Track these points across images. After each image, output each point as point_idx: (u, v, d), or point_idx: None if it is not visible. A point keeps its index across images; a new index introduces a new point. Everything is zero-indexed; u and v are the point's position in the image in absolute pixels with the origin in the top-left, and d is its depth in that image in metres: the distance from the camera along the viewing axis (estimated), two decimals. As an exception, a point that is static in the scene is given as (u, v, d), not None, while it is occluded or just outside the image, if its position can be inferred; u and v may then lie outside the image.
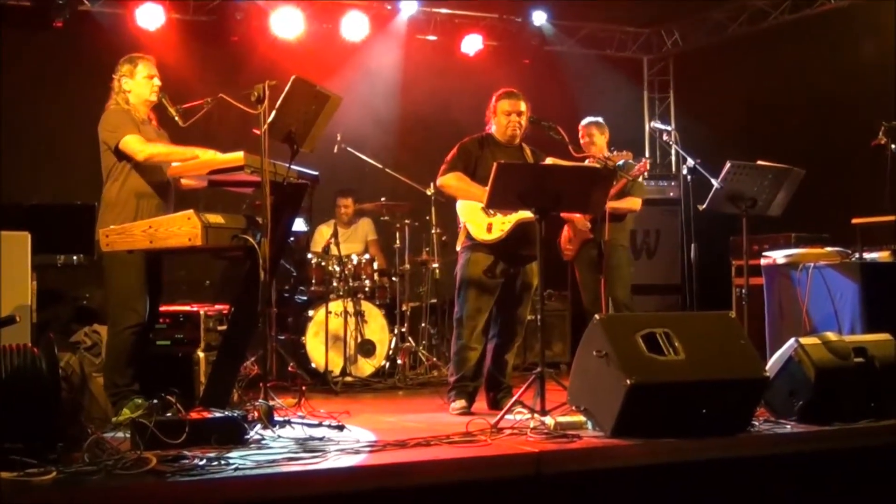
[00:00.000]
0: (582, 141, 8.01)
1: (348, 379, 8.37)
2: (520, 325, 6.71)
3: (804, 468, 5.11)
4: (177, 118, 5.88)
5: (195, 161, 5.71)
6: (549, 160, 6.61)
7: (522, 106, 6.70)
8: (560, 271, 8.76)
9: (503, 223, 6.43)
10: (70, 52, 9.43)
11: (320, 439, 5.00)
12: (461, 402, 6.44)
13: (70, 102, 9.19)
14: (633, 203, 8.04)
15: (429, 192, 8.84)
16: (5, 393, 4.24)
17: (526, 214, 6.30)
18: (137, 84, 6.02)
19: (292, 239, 8.78)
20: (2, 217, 6.93)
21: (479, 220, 6.48)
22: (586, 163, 7.07)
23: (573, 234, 8.14)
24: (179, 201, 6.13)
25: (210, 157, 5.62)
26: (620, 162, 7.27)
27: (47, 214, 7.71)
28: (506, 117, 6.69)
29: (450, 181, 6.58)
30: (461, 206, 6.59)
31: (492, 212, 6.42)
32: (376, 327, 8.75)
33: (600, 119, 8.22)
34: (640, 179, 8.19)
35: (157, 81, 6.04)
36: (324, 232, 9.37)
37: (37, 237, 6.12)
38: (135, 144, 5.84)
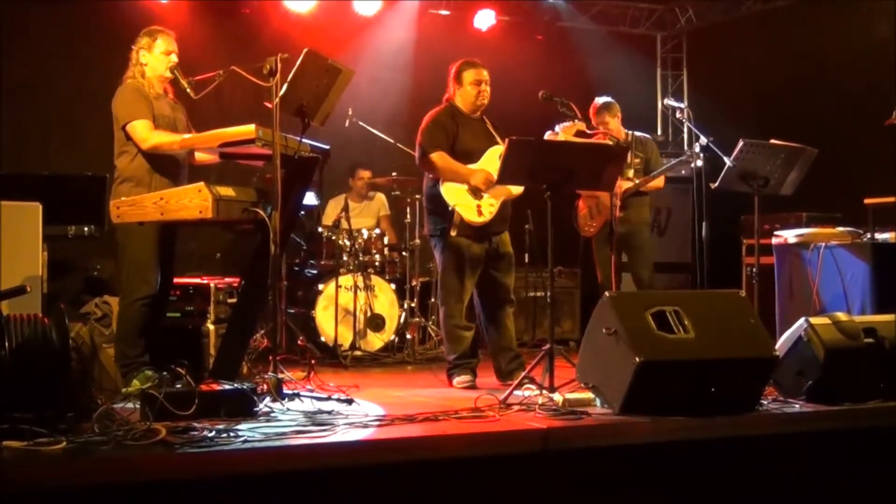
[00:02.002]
0: (595, 124, 7.96)
1: (357, 353, 8.38)
2: (508, 291, 6.71)
3: (812, 448, 5.11)
4: (189, 90, 5.85)
5: (207, 134, 5.71)
6: (561, 136, 6.57)
7: (486, 74, 6.66)
8: (569, 248, 8.74)
9: (491, 205, 6.42)
10: (82, 22, 9.40)
11: (329, 413, 5.01)
12: (466, 376, 6.46)
13: (82, 73, 9.19)
14: (658, 181, 8.02)
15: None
16: (16, 363, 4.25)
17: (511, 192, 6.37)
18: (154, 58, 5.99)
19: (303, 213, 8.78)
20: (13, 187, 6.94)
21: (469, 202, 6.41)
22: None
23: (597, 212, 8.10)
24: (190, 174, 6.12)
25: (219, 132, 5.61)
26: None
27: (58, 185, 7.71)
28: (475, 87, 6.62)
29: (437, 161, 6.47)
30: (448, 190, 6.45)
31: (480, 194, 6.39)
32: (386, 302, 8.76)
33: (610, 99, 8.15)
34: (658, 154, 8.18)
35: (174, 58, 6.00)
36: (335, 206, 9.37)
37: (48, 208, 6.13)
38: (141, 132, 5.80)
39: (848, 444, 5.16)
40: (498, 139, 6.55)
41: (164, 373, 4.98)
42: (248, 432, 4.35)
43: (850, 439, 5.17)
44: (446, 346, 6.69)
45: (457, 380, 6.48)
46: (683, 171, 9.40)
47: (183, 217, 5.36)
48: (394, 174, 9.28)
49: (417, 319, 8.96)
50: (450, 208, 6.43)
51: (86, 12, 9.35)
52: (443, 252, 6.59)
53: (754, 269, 6.99)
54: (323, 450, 4.29)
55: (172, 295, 6.56)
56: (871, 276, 6.78)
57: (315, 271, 9.04)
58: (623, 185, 7.81)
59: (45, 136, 9.33)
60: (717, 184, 6.88)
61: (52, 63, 9.38)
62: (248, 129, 5.40)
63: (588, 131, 6.88)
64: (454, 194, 6.45)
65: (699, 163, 6.83)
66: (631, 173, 7.94)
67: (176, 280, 6.56)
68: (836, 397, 5.35)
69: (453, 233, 6.46)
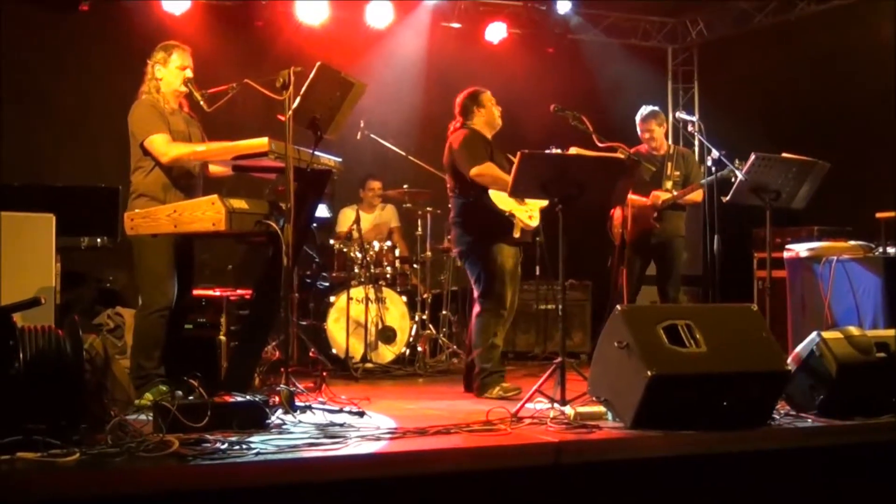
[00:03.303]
0: (641, 136, 7.96)
1: (368, 365, 8.39)
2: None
3: (825, 462, 5.09)
4: (202, 103, 5.89)
5: (220, 146, 5.73)
6: (573, 150, 6.60)
7: None
8: (581, 260, 8.73)
9: (535, 211, 6.60)
10: (96, 34, 9.46)
11: (341, 425, 5.01)
12: (505, 385, 6.57)
13: (96, 85, 9.25)
14: (697, 195, 7.96)
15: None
16: (30, 374, 4.26)
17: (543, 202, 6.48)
18: (170, 73, 6.03)
19: (315, 225, 8.80)
20: (27, 199, 7.00)
21: (520, 209, 6.58)
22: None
23: (635, 221, 8.06)
24: (205, 187, 6.14)
25: (232, 145, 5.64)
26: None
27: (72, 196, 7.75)
28: (496, 108, 6.88)
29: (488, 170, 6.61)
30: (498, 198, 6.60)
31: (524, 200, 6.53)
32: (397, 314, 8.77)
33: (656, 108, 8.13)
34: (699, 168, 8.17)
35: (189, 73, 6.04)
36: (348, 214, 9.38)
37: (61, 219, 6.16)
38: (160, 146, 5.84)
39: (860, 459, 5.14)
40: (511, 158, 6.63)
41: (178, 390, 4.99)
42: (261, 444, 4.36)
43: (863, 454, 5.15)
44: (482, 354, 6.72)
45: (498, 389, 6.49)
46: (732, 178, 9.36)
47: (196, 229, 5.38)
48: (405, 186, 9.30)
49: (428, 332, 8.97)
50: (506, 214, 6.58)
51: (99, 24, 9.40)
52: (489, 262, 6.69)
53: (766, 283, 6.98)
54: (335, 462, 4.29)
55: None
56: (883, 290, 6.77)
57: (327, 283, 9.05)
58: (661, 196, 7.81)
59: (59, 148, 9.36)
60: (728, 197, 6.88)
61: (68, 75, 9.44)
62: (261, 142, 5.42)
63: (598, 143, 6.90)
64: (505, 202, 6.57)
65: (741, 176, 6.77)
66: (670, 185, 7.93)
67: (189, 292, 6.58)
68: (849, 412, 5.34)
69: (517, 234, 6.63)
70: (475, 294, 6.83)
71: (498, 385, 6.57)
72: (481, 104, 6.86)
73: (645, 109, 8.09)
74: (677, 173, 7.94)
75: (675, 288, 8.07)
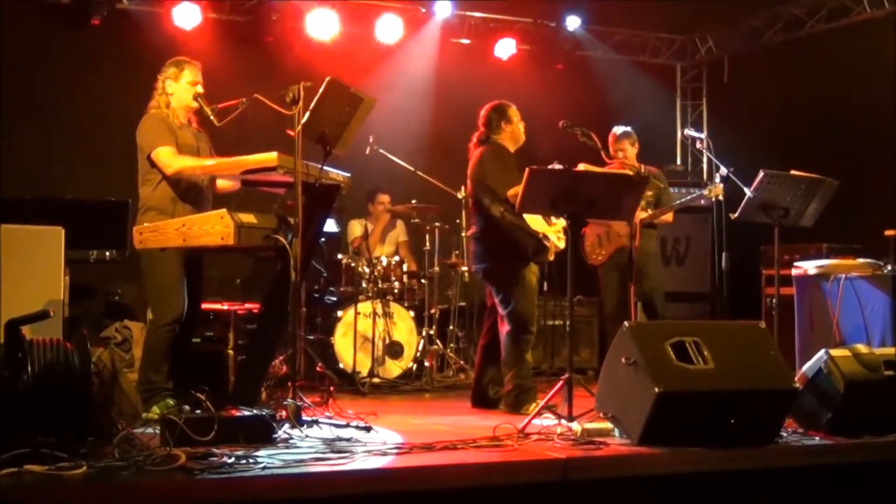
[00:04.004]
0: (613, 152, 7.98)
1: (376, 380, 8.39)
2: None
3: (832, 481, 5.08)
4: (212, 118, 5.91)
5: (230, 160, 5.75)
6: (581, 166, 6.62)
7: None
8: (589, 277, 8.74)
9: (560, 231, 6.62)
10: (107, 49, 9.50)
11: (348, 440, 5.02)
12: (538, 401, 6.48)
13: (106, 99, 9.28)
14: (668, 216, 8.03)
15: (459, 196, 8.86)
16: (38, 387, 4.27)
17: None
18: (180, 88, 6.07)
19: (323, 240, 8.81)
20: (36, 211, 7.01)
21: (551, 230, 6.61)
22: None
23: (607, 240, 8.12)
24: (213, 201, 6.16)
25: (241, 159, 5.65)
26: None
27: (81, 210, 7.77)
28: (522, 124, 6.88)
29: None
30: (531, 219, 6.59)
31: (551, 220, 6.59)
32: (404, 329, 8.77)
33: (630, 129, 8.17)
34: (669, 188, 8.21)
35: (199, 89, 6.07)
36: (355, 226, 9.38)
37: (70, 232, 6.16)
38: (165, 158, 5.88)
39: (868, 478, 5.12)
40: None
41: (185, 404, 4.99)
42: (268, 459, 4.36)
43: (871, 472, 5.13)
44: (515, 372, 6.67)
45: (534, 406, 6.35)
46: (703, 201, 9.40)
47: (205, 243, 5.39)
48: (413, 202, 9.31)
49: (436, 347, 8.96)
50: (541, 235, 6.58)
51: (110, 39, 9.44)
52: (517, 281, 6.67)
53: (774, 300, 6.96)
54: (342, 477, 4.28)
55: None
56: (891, 309, 6.75)
57: (334, 298, 9.06)
58: (639, 215, 7.83)
59: (69, 161, 9.40)
60: (737, 214, 6.89)
61: (78, 90, 9.47)
62: (270, 157, 5.43)
63: (607, 159, 6.91)
64: (538, 224, 6.60)
65: (720, 197, 6.81)
66: (644, 204, 7.95)
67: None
68: (857, 430, 5.32)
69: (552, 257, 6.69)
70: (501, 312, 6.77)
71: (534, 401, 6.51)
72: (508, 119, 6.85)
73: (619, 129, 8.12)
74: (649, 193, 7.95)
75: (662, 301, 8.11)
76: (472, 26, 11.00)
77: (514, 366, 6.68)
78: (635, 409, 4.98)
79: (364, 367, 8.43)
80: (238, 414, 4.93)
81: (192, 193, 6.00)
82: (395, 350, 8.67)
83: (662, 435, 4.90)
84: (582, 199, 5.80)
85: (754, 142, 10.47)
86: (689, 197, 8.09)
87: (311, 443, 4.88)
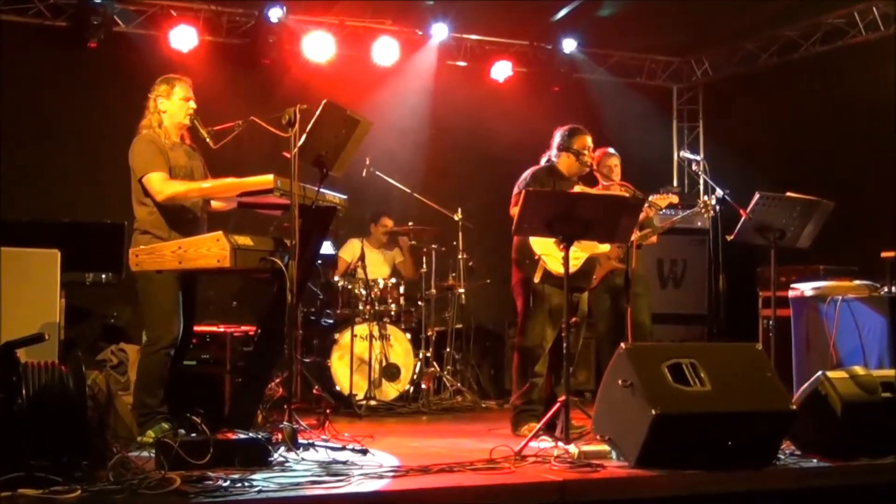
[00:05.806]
0: (602, 170, 7.97)
1: (372, 403, 8.37)
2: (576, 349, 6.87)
3: (830, 503, 5.06)
4: (208, 140, 5.91)
5: (225, 183, 5.75)
6: (577, 188, 6.62)
7: (590, 141, 6.93)
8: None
9: (576, 258, 6.50)
10: (104, 72, 9.50)
11: (344, 463, 5.01)
12: (532, 423, 6.42)
13: (104, 121, 9.27)
14: (653, 237, 8.03)
15: (456, 218, 8.87)
16: (33, 410, 4.26)
17: (597, 248, 6.61)
18: (173, 105, 6.07)
19: (319, 262, 8.80)
20: (32, 234, 7.00)
21: (556, 253, 6.50)
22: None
23: (598, 264, 8.10)
24: (209, 222, 6.15)
25: (237, 182, 5.65)
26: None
27: (77, 232, 7.76)
28: (587, 154, 6.85)
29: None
30: (535, 240, 6.60)
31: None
32: (401, 351, 8.75)
33: (612, 150, 8.17)
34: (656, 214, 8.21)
35: (192, 104, 6.08)
36: (353, 245, 9.32)
37: (66, 254, 6.16)
38: (156, 184, 5.87)
39: (866, 500, 5.11)
40: None
41: (181, 427, 4.97)
42: (263, 482, 4.35)
43: (869, 495, 5.12)
44: (516, 390, 6.74)
45: (524, 428, 6.44)
46: (699, 223, 9.42)
47: (201, 266, 5.38)
48: (410, 224, 9.31)
49: (433, 369, 8.95)
50: (535, 258, 6.58)
51: (107, 61, 9.45)
52: (525, 299, 6.71)
53: (771, 322, 6.96)
54: (338, 500, 4.28)
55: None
56: (888, 330, 6.75)
57: (331, 320, 9.05)
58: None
59: (68, 182, 9.39)
60: (733, 236, 6.90)
61: (76, 112, 9.47)
62: (266, 180, 5.43)
63: (603, 182, 6.90)
64: (542, 245, 6.58)
65: (711, 210, 6.81)
66: None
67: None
68: (854, 452, 5.31)
69: (536, 279, 6.62)
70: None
71: (526, 424, 6.51)
72: (568, 146, 6.85)
73: (607, 149, 8.10)
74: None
75: (649, 319, 8.09)
76: (469, 49, 11.03)
77: (514, 382, 6.74)
78: (632, 431, 4.97)
79: (360, 390, 8.40)
80: (234, 437, 4.92)
81: (188, 216, 5.99)
82: (391, 372, 8.66)
83: (660, 457, 4.89)
84: (578, 221, 5.80)
85: (750, 164, 10.47)
86: (680, 215, 8.06)
87: (307, 466, 4.88)
